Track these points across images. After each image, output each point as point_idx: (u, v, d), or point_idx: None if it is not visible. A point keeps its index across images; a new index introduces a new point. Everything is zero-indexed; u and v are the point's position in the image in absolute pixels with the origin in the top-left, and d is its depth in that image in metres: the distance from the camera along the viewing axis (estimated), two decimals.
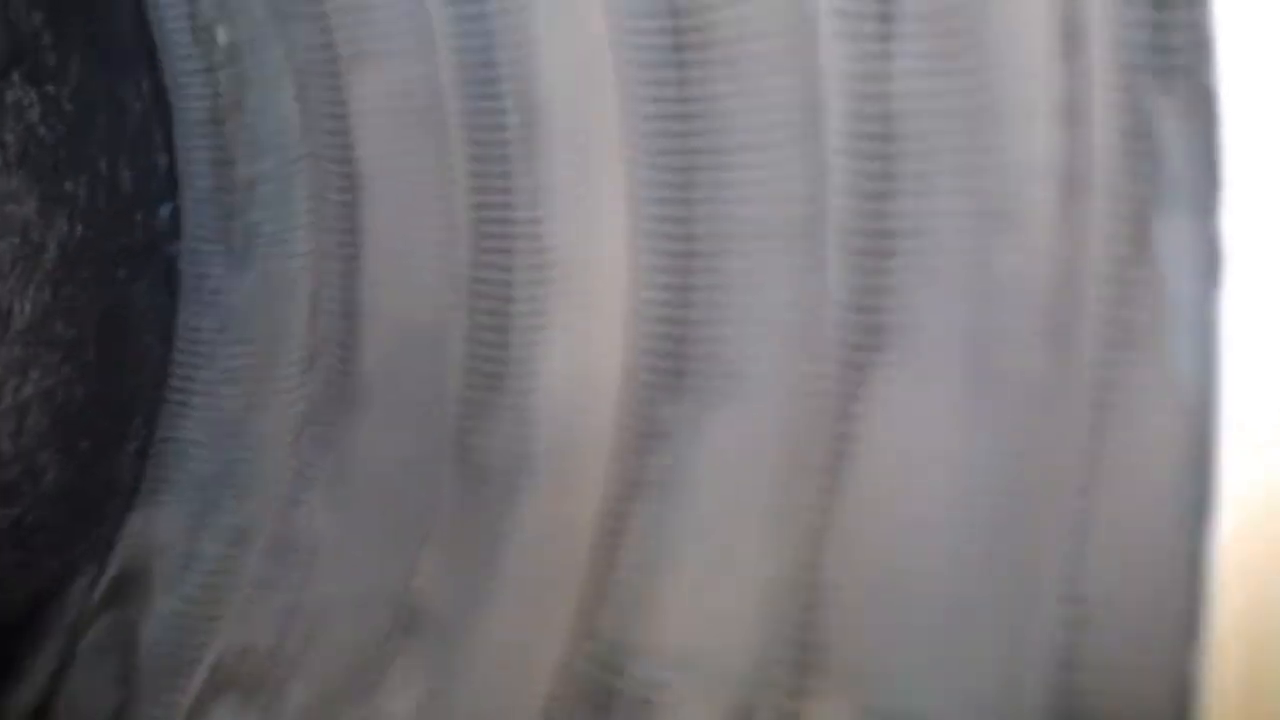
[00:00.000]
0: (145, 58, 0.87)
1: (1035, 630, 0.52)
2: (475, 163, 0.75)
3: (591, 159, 0.70)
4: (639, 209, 0.68)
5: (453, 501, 0.75)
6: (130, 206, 0.88)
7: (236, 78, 0.85)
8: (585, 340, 0.71)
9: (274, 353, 0.87)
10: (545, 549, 0.71)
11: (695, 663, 0.63)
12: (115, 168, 0.87)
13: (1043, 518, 0.53)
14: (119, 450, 0.89)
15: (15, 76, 0.82)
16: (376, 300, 0.82)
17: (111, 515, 0.89)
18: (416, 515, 0.76)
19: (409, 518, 0.77)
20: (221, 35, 0.84)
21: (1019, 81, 0.54)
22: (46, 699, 0.86)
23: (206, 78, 0.86)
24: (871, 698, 0.57)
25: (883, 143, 0.59)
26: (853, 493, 0.59)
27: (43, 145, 0.83)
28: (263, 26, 0.82)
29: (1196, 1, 0.48)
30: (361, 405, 0.82)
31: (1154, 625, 0.49)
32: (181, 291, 0.90)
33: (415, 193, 0.79)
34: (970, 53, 0.56)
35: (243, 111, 0.86)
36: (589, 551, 0.68)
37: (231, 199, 0.88)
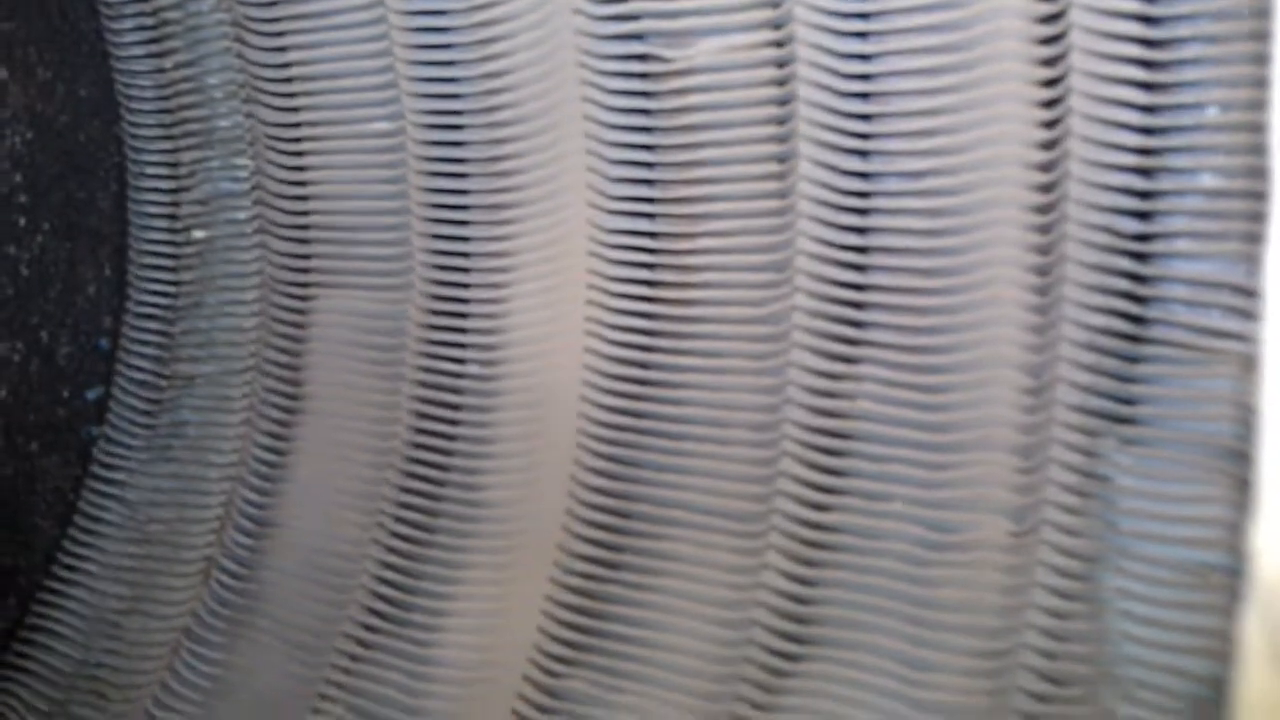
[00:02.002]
0: (114, 241, 0.87)
1: None
2: (423, 403, 0.75)
3: (544, 419, 0.71)
4: (582, 475, 0.68)
5: None
6: (60, 382, 0.86)
7: (201, 278, 0.85)
8: (501, 595, 0.70)
9: (170, 558, 0.84)
10: None
11: None
12: (55, 341, 0.86)
13: None
14: None
15: None
16: (292, 521, 0.80)
17: None
18: None
19: None
20: (198, 234, 0.85)
21: (980, 416, 0.56)
22: None
23: (171, 274, 0.86)
24: None
25: (837, 456, 0.61)
26: None
27: None
28: (242, 232, 0.83)
29: (1163, 359, 0.51)
30: (251, 625, 0.79)
31: None
32: (90, 477, 0.87)
33: (355, 422, 0.79)
34: (936, 383, 0.58)
35: (199, 312, 0.86)
36: None
37: (164, 394, 0.87)
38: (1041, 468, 0.55)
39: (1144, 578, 0.51)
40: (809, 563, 0.60)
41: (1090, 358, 0.54)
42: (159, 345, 0.87)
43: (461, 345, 0.74)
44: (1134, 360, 0.53)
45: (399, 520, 0.75)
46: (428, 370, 0.75)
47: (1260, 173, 0.49)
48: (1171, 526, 0.51)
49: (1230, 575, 0.48)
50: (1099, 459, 0.53)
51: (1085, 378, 0.54)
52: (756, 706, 0.59)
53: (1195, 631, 0.49)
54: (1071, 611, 0.53)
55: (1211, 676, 0.48)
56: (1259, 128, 0.47)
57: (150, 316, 0.87)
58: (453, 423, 0.74)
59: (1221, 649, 0.48)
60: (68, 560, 0.86)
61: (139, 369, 0.87)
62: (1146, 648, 0.50)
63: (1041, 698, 0.53)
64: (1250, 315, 0.49)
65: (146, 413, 0.87)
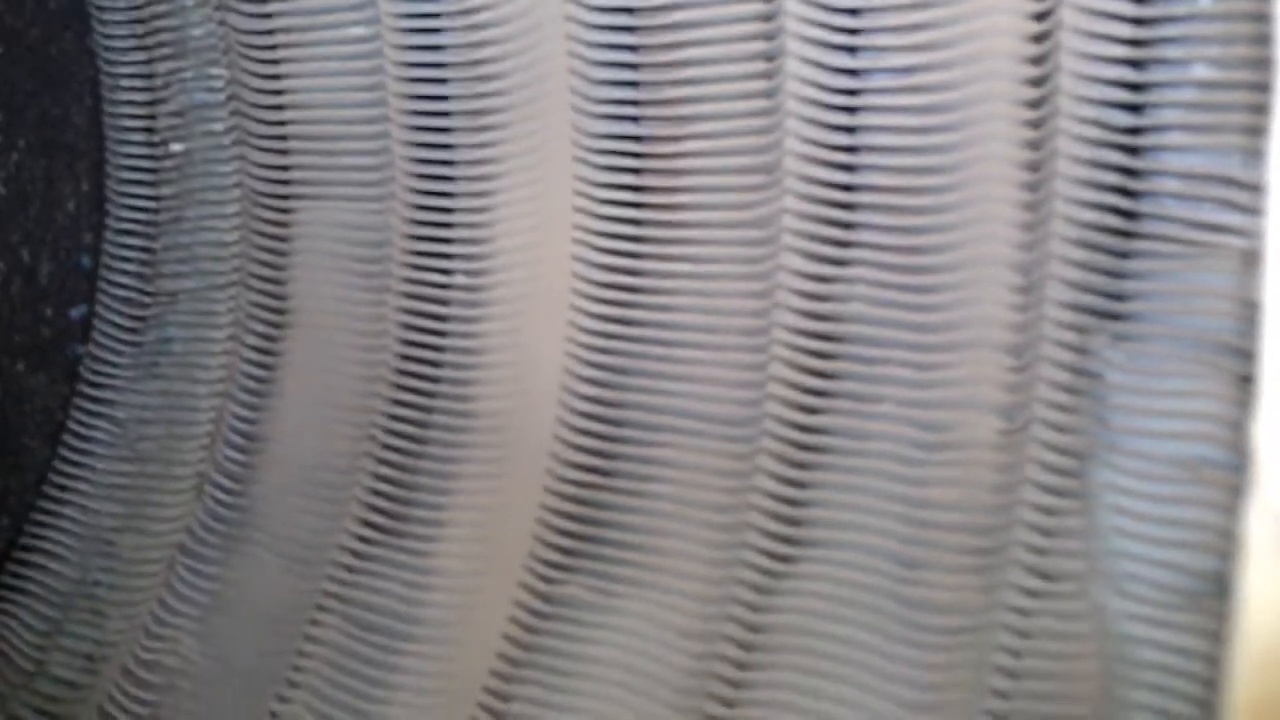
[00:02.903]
0: (92, 156, 0.86)
1: None
2: (411, 314, 0.74)
3: (533, 328, 0.70)
4: (573, 384, 0.68)
5: (331, 650, 0.72)
6: (43, 301, 0.85)
7: (181, 192, 0.84)
8: (494, 505, 0.70)
9: (162, 475, 0.84)
10: (423, 714, 0.68)
11: None
12: (37, 259, 0.85)
13: None
14: None
15: None
16: (282, 435, 0.80)
17: None
18: (289, 660, 0.73)
19: (282, 658, 0.73)
20: (175, 147, 0.84)
21: (970, 316, 0.56)
22: None
23: (150, 188, 0.85)
24: None
25: (827, 359, 0.61)
26: (757, 698, 0.58)
27: None
28: (220, 144, 0.81)
29: (1155, 254, 0.51)
30: (246, 540, 0.79)
31: None
32: (78, 396, 0.87)
33: (343, 335, 0.78)
34: (926, 283, 0.58)
35: (180, 227, 0.84)
36: None
37: (148, 311, 0.86)
38: (1032, 365, 0.55)
39: (1136, 473, 0.51)
40: (801, 465, 0.61)
41: (1081, 254, 0.53)
42: (141, 261, 0.86)
43: (447, 255, 0.73)
44: (1126, 256, 0.53)
45: (390, 432, 0.74)
46: (414, 281, 0.75)
47: (1254, 63, 0.48)
48: (1163, 421, 0.51)
49: (1222, 469, 0.48)
50: (1090, 355, 0.53)
51: (1076, 274, 0.53)
52: (751, 607, 0.60)
53: (1188, 525, 0.49)
54: (1062, 508, 0.53)
55: (1205, 571, 0.48)
56: (1259, 17, 0.47)
57: (131, 232, 0.86)
58: (441, 334, 0.74)
59: (1214, 543, 0.48)
60: (59, 480, 0.86)
61: (122, 286, 0.87)
62: (1138, 542, 0.51)
63: (1033, 593, 0.53)
64: (1244, 208, 0.48)
65: (131, 330, 0.87)
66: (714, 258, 0.64)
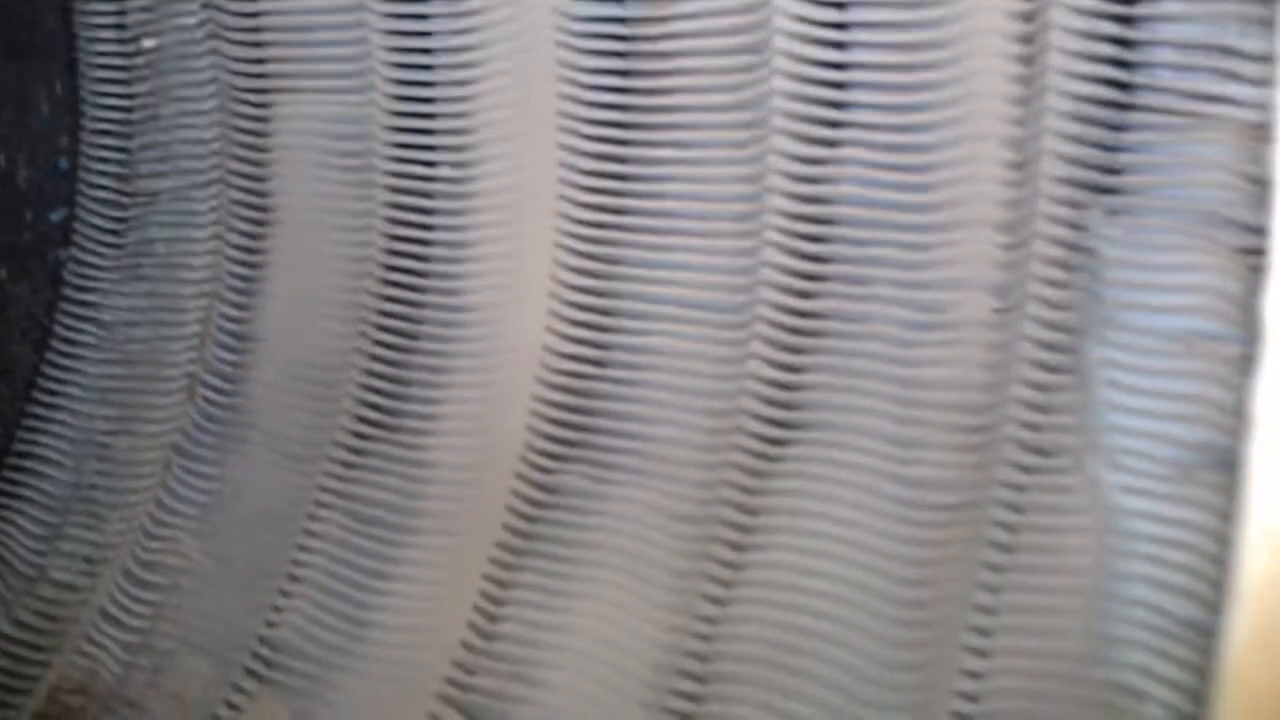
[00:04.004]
0: (63, 58, 0.84)
1: None
2: (396, 209, 0.74)
3: (520, 219, 0.69)
4: (563, 275, 0.68)
5: (331, 544, 0.72)
6: (22, 205, 0.84)
7: (155, 90, 0.82)
8: (489, 397, 0.70)
9: (152, 376, 0.84)
10: (423, 605, 0.68)
11: None
12: (13, 164, 0.83)
13: (948, 624, 0.53)
14: None
15: None
16: (272, 334, 0.80)
17: None
18: (289, 555, 0.73)
19: (280, 558, 0.74)
20: (147, 42, 0.82)
21: (963, 194, 0.56)
22: None
23: (124, 87, 0.83)
24: None
25: (819, 242, 0.60)
26: (754, 577, 0.59)
27: None
28: (192, 38, 0.80)
29: (1150, 127, 0.51)
30: (241, 439, 0.79)
31: None
32: (63, 300, 0.86)
33: (327, 231, 0.77)
34: (918, 162, 0.57)
35: (156, 125, 0.83)
36: (469, 612, 0.66)
37: (129, 213, 0.85)
38: (1026, 243, 0.54)
39: (1130, 347, 0.51)
40: (794, 350, 0.60)
41: (1075, 128, 0.53)
42: (118, 162, 0.85)
43: (430, 147, 0.72)
44: (1120, 129, 0.52)
45: (381, 328, 0.74)
46: (398, 175, 0.74)
47: None
48: (1158, 295, 0.51)
49: (1217, 342, 0.48)
50: (1084, 231, 0.52)
51: (1070, 149, 0.53)
52: (746, 491, 0.60)
53: (1182, 398, 0.49)
54: (1057, 384, 0.53)
55: (1200, 443, 0.48)
56: None
57: (106, 133, 0.85)
58: (427, 228, 0.73)
59: (1209, 416, 0.48)
60: (49, 385, 0.86)
61: (100, 188, 0.85)
62: (1133, 415, 0.51)
63: (1027, 469, 0.53)
64: (1241, 79, 0.48)
65: (112, 232, 0.86)
66: (703, 142, 0.63)
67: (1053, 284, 0.53)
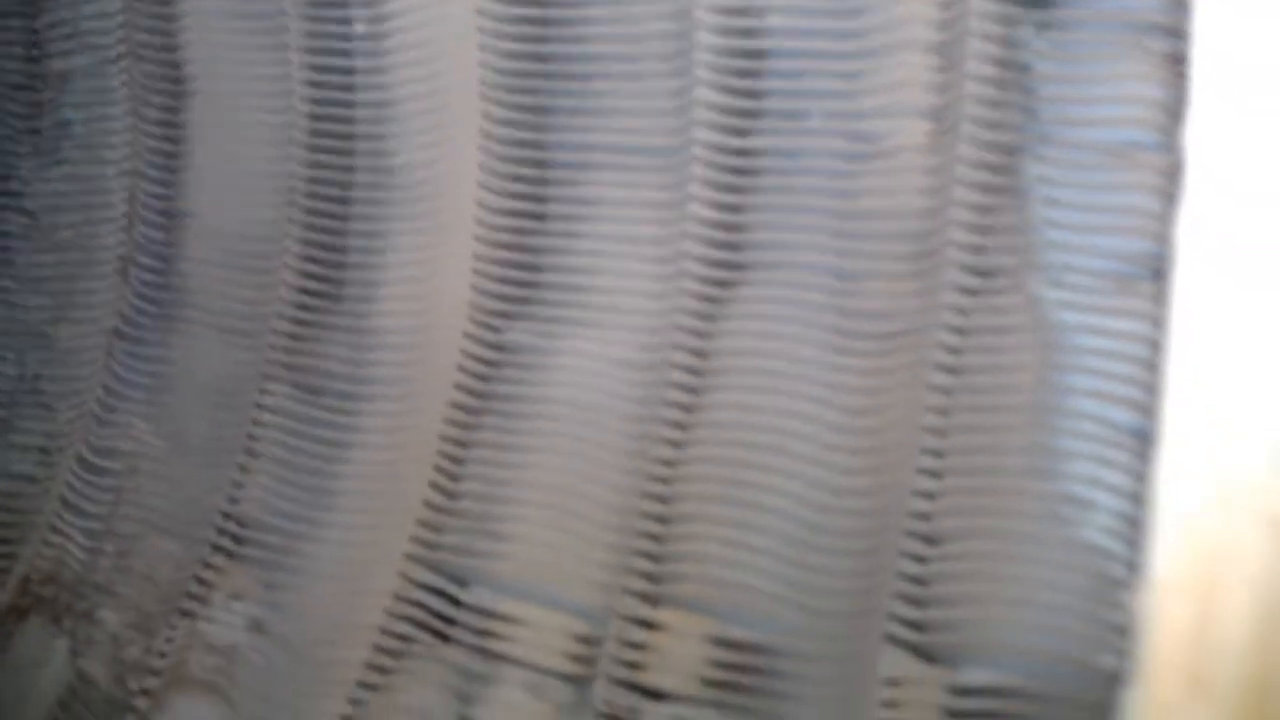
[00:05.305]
0: None
1: (886, 563, 0.53)
2: (315, 71, 0.72)
3: (443, 73, 0.68)
4: (492, 129, 0.66)
5: (284, 418, 0.72)
6: None
7: None
8: (429, 259, 0.69)
9: (85, 261, 0.82)
10: (383, 471, 0.69)
11: (539, 592, 0.63)
12: None
13: (898, 449, 0.54)
14: None
15: None
16: (201, 208, 0.78)
17: None
18: (244, 431, 0.73)
19: (236, 433, 0.74)
20: None
21: (894, 18, 0.55)
22: None
23: None
24: (721, 628, 0.58)
25: (752, 78, 0.59)
26: (708, 419, 0.60)
27: None
28: None
29: None
30: (181, 319, 0.78)
31: (1004, 563, 0.51)
32: None
33: (247, 98, 0.75)
34: None
35: (59, 2, 0.80)
36: (430, 473, 0.67)
37: (42, 95, 0.82)
38: (959, 64, 0.54)
39: (1065, 163, 0.51)
40: (733, 189, 0.60)
41: None
42: (25, 44, 0.82)
43: (344, 4, 0.70)
44: None
45: (312, 195, 0.73)
46: (313, 35, 0.71)
47: None
48: (1093, 108, 0.50)
49: (1152, 152, 0.48)
50: (1017, 48, 0.52)
51: None
52: (695, 334, 0.60)
53: (1118, 210, 0.49)
54: (995, 205, 0.53)
55: (1137, 254, 0.49)
56: None
57: (9, 14, 0.82)
58: (349, 88, 0.71)
59: (1146, 226, 0.48)
60: None
61: (10, 71, 0.83)
62: (1072, 231, 0.51)
63: (969, 291, 0.54)
64: None
65: (27, 117, 0.83)
66: None
67: (987, 103, 0.53)
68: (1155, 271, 0.48)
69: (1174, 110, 0.47)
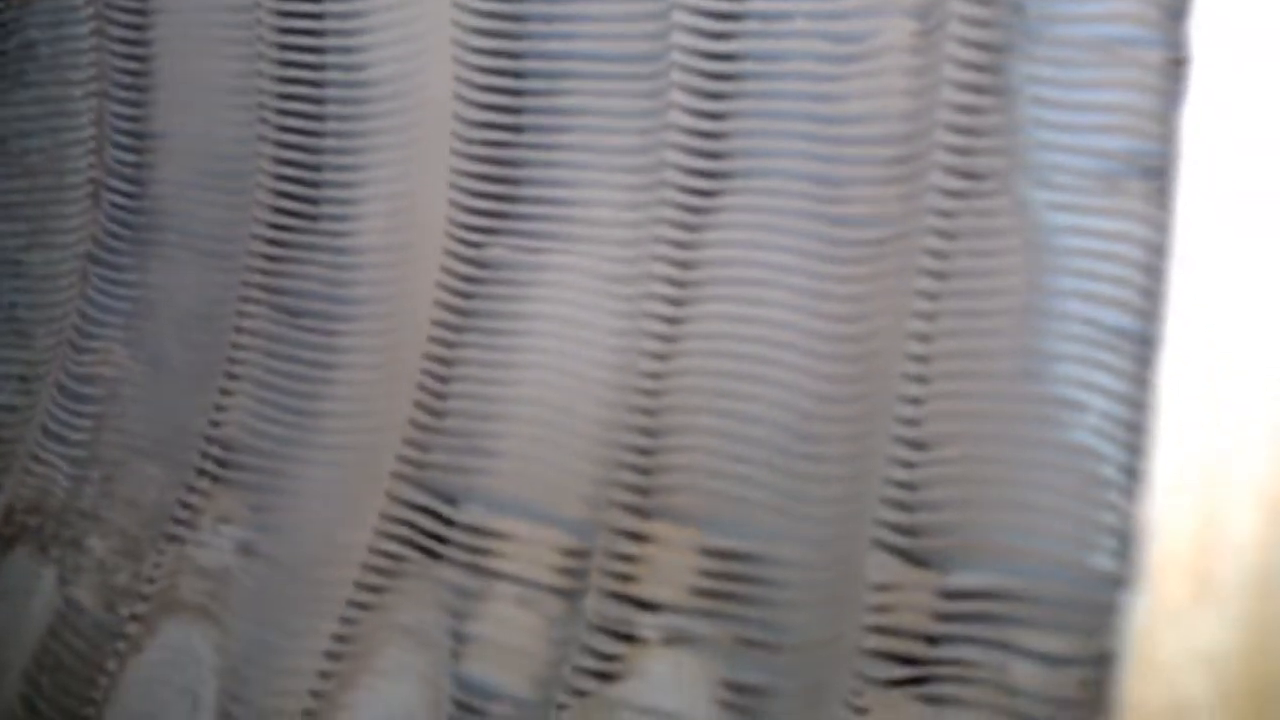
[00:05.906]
0: None
1: (874, 469, 0.53)
2: None
3: None
4: (464, 38, 0.65)
5: (265, 340, 0.72)
6: None
7: None
8: (406, 176, 0.68)
9: (56, 186, 0.81)
10: (368, 391, 0.68)
11: (529, 507, 0.63)
12: None
13: (885, 355, 0.54)
14: None
15: None
16: (171, 128, 0.77)
17: None
18: (224, 354, 0.72)
19: (216, 356, 0.73)
20: None
21: None
22: None
23: None
24: (711, 539, 0.57)
25: None
26: (694, 331, 0.59)
27: None
28: None
29: None
30: (155, 242, 0.77)
31: (993, 466, 0.51)
32: None
33: (214, 14, 0.74)
34: None
35: None
36: (416, 392, 0.66)
37: (5, 16, 0.80)
38: None
39: (1053, 60, 0.50)
40: (714, 95, 0.59)
41: None
42: None
43: None
44: None
45: (283, 112, 0.71)
46: None
47: None
48: (1078, 3, 0.49)
49: (1139, 47, 0.47)
50: None
51: None
52: (678, 245, 0.59)
53: (1107, 108, 0.48)
54: (982, 106, 0.52)
55: (1124, 152, 0.48)
56: None
57: None
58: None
59: (1133, 124, 0.48)
60: None
61: None
62: (1058, 131, 0.50)
63: (956, 194, 0.53)
64: None
65: None
66: None
67: (973, 1, 0.52)
68: (1144, 170, 0.47)
69: (1168, 5, 0.46)
